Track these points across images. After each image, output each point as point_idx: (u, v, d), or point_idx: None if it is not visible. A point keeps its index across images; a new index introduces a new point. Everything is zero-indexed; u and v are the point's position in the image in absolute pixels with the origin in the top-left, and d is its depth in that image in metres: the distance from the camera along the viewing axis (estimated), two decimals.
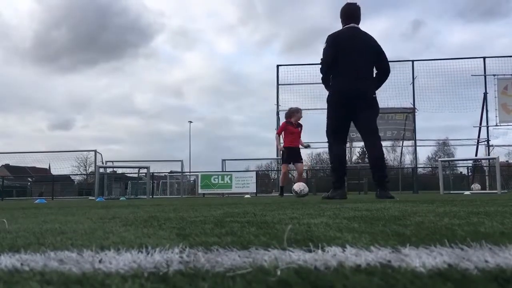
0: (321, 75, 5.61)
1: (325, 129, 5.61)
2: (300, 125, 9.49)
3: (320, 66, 5.55)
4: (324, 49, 5.49)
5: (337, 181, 5.41)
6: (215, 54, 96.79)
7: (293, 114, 9.33)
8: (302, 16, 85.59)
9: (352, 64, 5.31)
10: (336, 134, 5.51)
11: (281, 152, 9.68)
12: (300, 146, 9.58)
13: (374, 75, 5.48)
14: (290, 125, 9.29)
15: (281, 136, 9.45)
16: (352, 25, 5.55)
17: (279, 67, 24.17)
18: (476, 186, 17.85)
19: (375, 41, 5.52)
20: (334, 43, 5.42)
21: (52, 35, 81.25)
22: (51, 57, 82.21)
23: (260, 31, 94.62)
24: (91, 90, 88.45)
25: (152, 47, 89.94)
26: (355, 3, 5.71)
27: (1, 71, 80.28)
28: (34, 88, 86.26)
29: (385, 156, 5.80)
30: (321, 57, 5.53)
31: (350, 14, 5.61)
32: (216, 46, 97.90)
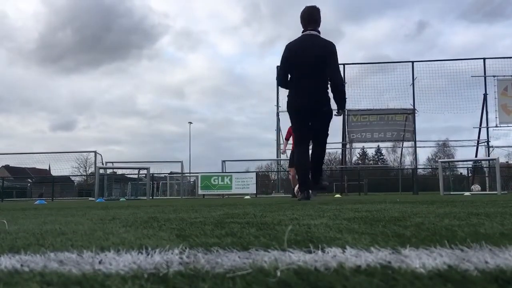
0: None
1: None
2: None
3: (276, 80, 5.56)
4: (281, 57, 5.41)
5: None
6: (218, 55, 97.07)
7: None
8: None
9: (302, 79, 5.23)
10: (299, 139, 5.52)
11: (289, 155, 9.68)
12: None
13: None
14: None
15: (289, 140, 9.51)
16: (308, 32, 5.32)
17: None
18: (476, 187, 17.84)
19: (329, 51, 5.23)
20: (287, 56, 5.31)
21: (57, 36, 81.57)
22: (55, 58, 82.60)
23: (263, 32, 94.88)
24: (93, 91, 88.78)
25: (156, 49, 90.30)
26: (314, 6, 5.44)
27: (5, 72, 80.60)
28: (36, 89, 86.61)
29: (324, 158, 5.94)
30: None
31: (307, 18, 5.36)
32: (219, 47, 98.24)
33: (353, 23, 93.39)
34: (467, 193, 12.49)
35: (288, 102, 5.42)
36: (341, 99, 5.41)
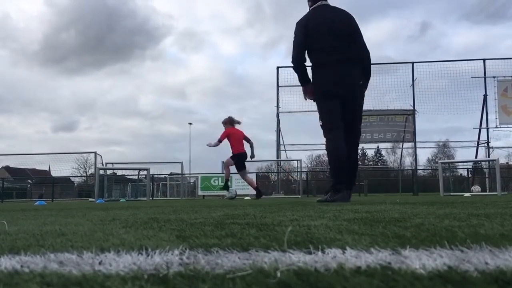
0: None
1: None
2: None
3: (292, 64, 4.80)
4: (293, 41, 4.76)
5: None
6: (221, 56, 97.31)
7: (234, 123, 10.18)
8: None
9: (330, 56, 4.62)
10: (333, 130, 4.73)
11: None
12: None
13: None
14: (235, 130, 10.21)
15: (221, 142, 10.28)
16: (322, 3, 4.82)
17: (279, 69, 24.20)
18: (476, 188, 17.84)
19: (354, 21, 4.75)
20: (305, 32, 4.69)
21: (60, 37, 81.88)
22: (58, 59, 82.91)
23: (266, 33, 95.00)
24: (96, 92, 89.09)
25: (159, 49, 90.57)
26: None
27: (7, 72, 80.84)
28: (39, 90, 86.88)
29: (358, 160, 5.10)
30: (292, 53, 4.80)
31: None
32: (222, 48, 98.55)
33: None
34: (467, 194, 12.49)
35: (318, 83, 4.72)
36: (369, 73, 4.86)
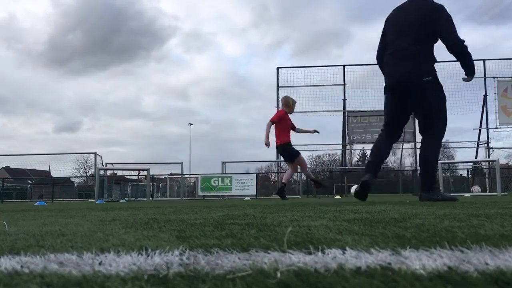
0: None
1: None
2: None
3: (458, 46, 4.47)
4: (450, 22, 4.46)
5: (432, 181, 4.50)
6: (225, 57, 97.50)
7: (293, 105, 8.47)
8: (314, 19, 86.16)
9: (394, 52, 4.47)
10: (388, 128, 4.67)
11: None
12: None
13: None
14: (287, 115, 8.46)
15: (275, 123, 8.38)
16: None
17: (279, 69, 24.22)
18: (476, 189, 17.85)
19: (429, 13, 4.37)
20: (383, 29, 4.69)
21: (66, 38, 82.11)
22: (63, 60, 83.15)
23: (271, 34, 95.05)
24: (100, 93, 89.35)
25: (164, 50, 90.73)
26: None
27: (12, 73, 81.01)
28: (43, 91, 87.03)
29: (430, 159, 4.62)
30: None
31: None
32: (226, 49, 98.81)
33: (361, 24, 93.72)
34: (467, 195, 12.49)
35: (384, 78, 4.66)
36: (464, 59, 4.52)
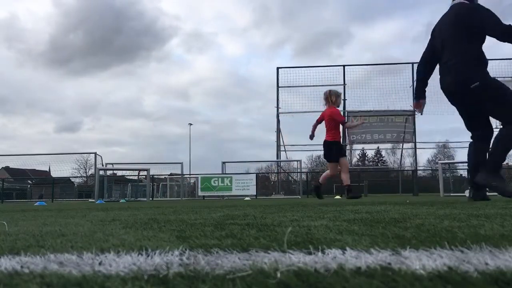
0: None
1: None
2: None
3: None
4: (492, 15, 4.34)
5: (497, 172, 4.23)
6: (226, 57, 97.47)
7: (338, 98, 7.85)
8: (315, 19, 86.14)
9: (443, 56, 4.39)
10: (471, 130, 4.51)
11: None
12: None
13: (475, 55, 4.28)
14: None
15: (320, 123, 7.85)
16: (454, 1, 4.50)
17: (280, 69, 24.22)
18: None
19: (466, 11, 4.31)
20: (431, 33, 4.56)
21: (67, 38, 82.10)
22: (64, 60, 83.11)
23: (272, 34, 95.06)
24: (101, 93, 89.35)
25: (165, 51, 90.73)
26: None
27: (13, 73, 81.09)
28: (44, 91, 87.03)
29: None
30: None
31: None
32: (227, 49, 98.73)
33: (362, 24, 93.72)
34: (467, 194, 12.46)
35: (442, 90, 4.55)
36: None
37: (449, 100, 4.50)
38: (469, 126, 4.51)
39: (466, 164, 4.50)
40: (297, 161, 22.55)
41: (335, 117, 7.54)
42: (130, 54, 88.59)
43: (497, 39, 4.19)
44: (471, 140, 4.52)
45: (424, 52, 4.64)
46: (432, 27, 4.66)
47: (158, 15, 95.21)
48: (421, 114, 5.02)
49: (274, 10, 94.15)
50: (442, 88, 4.45)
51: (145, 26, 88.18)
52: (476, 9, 4.28)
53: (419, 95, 4.88)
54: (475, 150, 4.41)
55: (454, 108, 4.71)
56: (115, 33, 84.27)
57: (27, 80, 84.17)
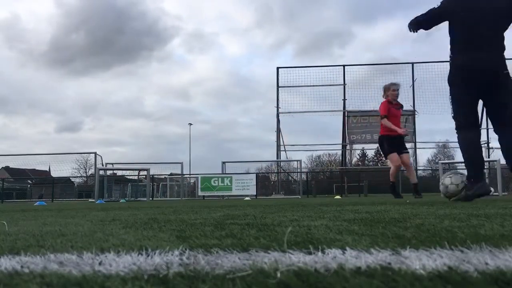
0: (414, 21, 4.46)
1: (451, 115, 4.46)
2: (401, 106, 7.59)
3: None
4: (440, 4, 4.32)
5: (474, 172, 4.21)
6: (228, 57, 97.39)
7: (387, 91, 7.39)
8: (317, 19, 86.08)
9: (474, 38, 4.17)
10: (465, 120, 4.35)
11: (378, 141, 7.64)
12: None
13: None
14: (391, 105, 7.33)
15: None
16: None
17: (280, 69, 24.22)
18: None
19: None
20: (448, 6, 4.28)
21: (68, 38, 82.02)
22: (66, 60, 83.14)
23: (274, 34, 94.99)
24: (102, 93, 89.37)
25: (167, 51, 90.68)
26: None
27: (15, 73, 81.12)
28: (45, 91, 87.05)
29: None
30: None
31: None
32: (229, 49, 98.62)
33: (363, 24, 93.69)
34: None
35: (454, 67, 4.34)
36: None
37: (466, 78, 4.20)
38: (463, 113, 4.31)
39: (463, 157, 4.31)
40: (297, 161, 22.57)
41: (379, 111, 7.41)
42: (131, 54, 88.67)
43: None
44: (461, 131, 4.34)
45: (434, 13, 4.35)
46: (435, 28, 4.57)
47: (160, 15, 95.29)
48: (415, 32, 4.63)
49: (276, 10, 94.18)
50: (467, 64, 4.18)
51: (147, 26, 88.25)
52: None
53: (417, 28, 4.58)
54: (471, 142, 4.30)
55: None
56: (117, 33, 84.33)
57: (28, 80, 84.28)
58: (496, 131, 4.24)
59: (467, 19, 4.20)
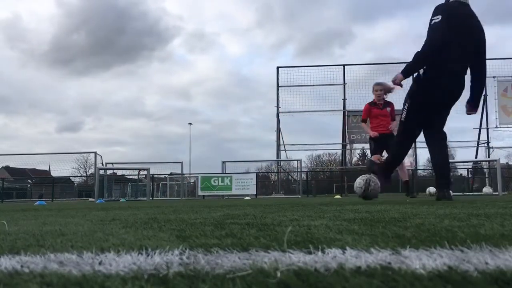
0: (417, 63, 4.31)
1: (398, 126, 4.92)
2: (389, 104, 7.61)
3: (422, 50, 4.18)
4: (436, 24, 4.10)
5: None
6: (228, 57, 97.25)
7: (373, 92, 7.51)
8: (317, 19, 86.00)
9: (451, 61, 4.17)
10: (428, 127, 4.68)
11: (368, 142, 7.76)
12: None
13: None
14: (374, 107, 7.45)
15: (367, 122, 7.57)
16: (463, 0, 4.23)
17: (280, 69, 24.21)
18: (488, 189, 17.83)
19: (484, 36, 4.27)
20: (448, 21, 4.09)
21: (69, 38, 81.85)
22: (67, 60, 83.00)
23: (275, 34, 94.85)
24: (102, 93, 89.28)
25: (167, 51, 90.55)
26: None
27: (16, 74, 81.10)
28: (46, 91, 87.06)
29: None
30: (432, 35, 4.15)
31: None
32: (230, 49, 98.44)
33: (363, 24, 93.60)
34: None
35: (425, 88, 4.39)
36: (478, 92, 4.52)
37: (440, 98, 4.45)
38: (428, 123, 4.67)
39: (432, 162, 4.91)
40: (297, 160, 22.58)
41: None
42: (132, 54, 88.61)
43: (478, 79, 4.45)
44: (430, 138, 4.71)
45: (439, 38, 4.13)
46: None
47: (161, 15, 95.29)
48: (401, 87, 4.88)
49: (277, 10, 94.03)
50: (442, 84, 4.30)
51: (148, 26, 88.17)
52: (483, 30, 4.36)
53: (410, 75, 4.58)
54: (441, 148, 4.70)
55: (454, 108, 4.73)
56: (118, 33, 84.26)
57: (29, 80, 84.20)
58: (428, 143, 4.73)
59: (454, 41, 4.21)
